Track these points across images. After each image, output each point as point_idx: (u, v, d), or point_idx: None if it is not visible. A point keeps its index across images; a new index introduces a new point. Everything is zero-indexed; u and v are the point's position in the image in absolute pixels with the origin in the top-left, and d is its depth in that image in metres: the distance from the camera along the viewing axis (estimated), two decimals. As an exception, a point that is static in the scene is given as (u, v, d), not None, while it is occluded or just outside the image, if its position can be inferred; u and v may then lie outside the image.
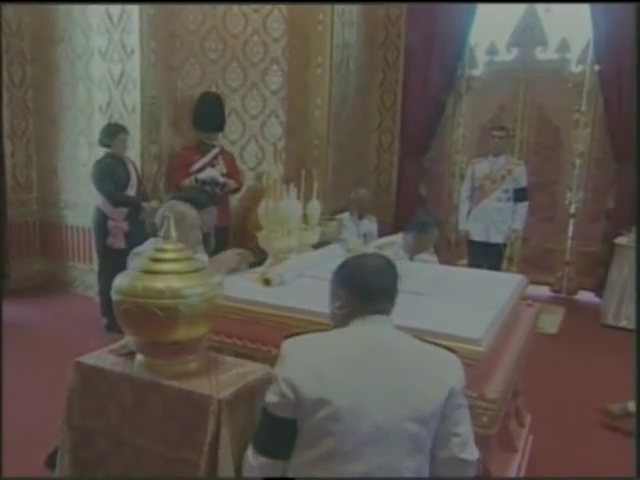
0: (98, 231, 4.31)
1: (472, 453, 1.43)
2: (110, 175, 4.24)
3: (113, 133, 4.30)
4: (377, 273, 1.50)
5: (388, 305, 1.50)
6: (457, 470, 1.43)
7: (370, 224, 4.70)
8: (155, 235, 2.53)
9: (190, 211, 2.59)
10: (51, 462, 2.04)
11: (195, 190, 4.38)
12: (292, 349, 1.44)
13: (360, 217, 4.65)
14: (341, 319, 1.51)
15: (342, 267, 1.55)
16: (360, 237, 4.49)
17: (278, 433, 1.42)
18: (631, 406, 3.04)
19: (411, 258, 3.51)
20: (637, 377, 2.56)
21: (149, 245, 2.38)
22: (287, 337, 1.50)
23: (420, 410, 1.34)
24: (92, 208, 4.56)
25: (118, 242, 4.17)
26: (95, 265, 5.03)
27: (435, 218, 3.70)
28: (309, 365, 1.37)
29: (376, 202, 6.33)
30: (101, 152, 4.49)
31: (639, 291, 4.29)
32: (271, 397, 1.40)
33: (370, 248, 3.83)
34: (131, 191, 4.32)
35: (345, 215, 4.59)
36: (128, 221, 4.22)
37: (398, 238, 3.69)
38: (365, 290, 1.48)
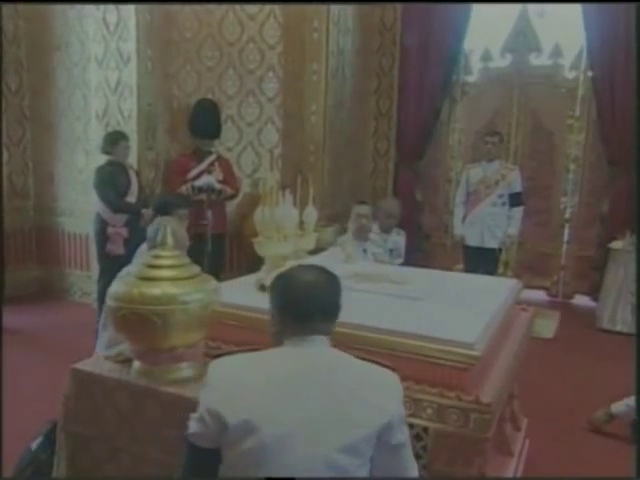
0: (98, 237, 4.33)
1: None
2: (111, 182, 4.27)
3: (115, 140, 4.33)
4: (311, 290, 1.35)
5: (327, 324, 1.37)
6: None
7: (398, 238, 4.05)
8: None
9: (179, 230, 2.60)
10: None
11: (166, 195, 4.38)
12: (217, 373, 1.32)
13: (388, 230, 4.00)
14: (276, 338, 1.39)
15: (275, 282, 1.41)
16: (387, 252, 3.93)
17: (202, 466, 1.31)
18: (614, 408, 3.06)
19: (385, 240, 3.90)
20: (637, 377, 2.57)
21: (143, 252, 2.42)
22: (215, 357, 1.41)
23: (351, 438, 1.22)
24: (89, 215, 4.57)
25: (117, 248, 4.19)
26: (92, 272, 5.04)
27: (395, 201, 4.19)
28: (233, 391, 1.26)
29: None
30: (98, 159, 4.50)
31: (639, 292, 4.30)
32: (193, 426, 1.29)
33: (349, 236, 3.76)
34: (132, 198, 4.34)
35: (374, 227, 3.97)
36: (128, 227, 4.24)
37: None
38: (297, 309, 1.34)
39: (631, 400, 2.96)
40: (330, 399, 1.24)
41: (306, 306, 1.34)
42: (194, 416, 1.30)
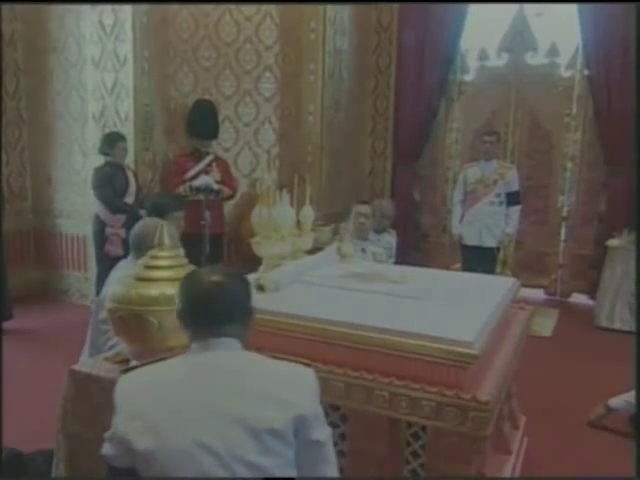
0: (96, 238, 4.35)
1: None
2: (109, 183, 4.28)
3: (113, 141, 4.35)
4: (208, 292, 1.31)
5: (235, 327, 1.33)
6: None
7: (390, 237, 4.18)
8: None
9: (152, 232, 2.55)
10: None
11: (161, 196, 4.35)
12: (120, 394, 1.28)
13: (381, 230, 4.13)
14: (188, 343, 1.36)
15: (180, 285, 1.38)
16: (379, 251, 4.01)
17: None
18: (612, 402, 3.07)
19: (379, 239, 4.01)
20: (637, 377, 2.57)
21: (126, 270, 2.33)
22: (124, 371, 1.39)
23: (261, 437, 1.19)
24: (86, 216, 4.57)
25: (115, 249, 4.21)
26: (90, 273, 5.04)
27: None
28: (135, 412, 1.23)
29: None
30: (96, 160, 4.50)
31: (638, 289, 4.31)
32: (106, 447, 1.29)
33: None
34: (130, 198, 4.36)
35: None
36: (126, 228, 4.24)
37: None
38: (194, 312, 1.32)
39: (629, 396, 2.97)
40: (236, 400, 1.22)
41: (200, 310, 1.31)
42: (106, 435, 1.28)
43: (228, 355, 1.30)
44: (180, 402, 1.22)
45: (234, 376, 1.26)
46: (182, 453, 1.18)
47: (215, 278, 1.33)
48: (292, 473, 1.25)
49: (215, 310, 1.30)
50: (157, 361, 1.37)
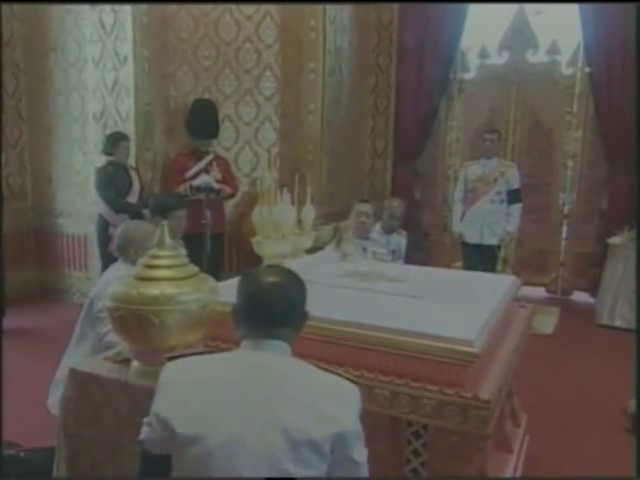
0: (100, 237, 4.36)
1: None
2: (112, 182, 4.29)
3: (116, 141, 4.36)
4: (269, 293, 1.30)
5: (287, 330, 1.32)
6: None
7: (400, 238, 4.13)
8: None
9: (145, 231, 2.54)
10: None
11: (164, 196, 4.34)
12: (168, 377, 1.28)
13: (390, 231, 4.08)
14: (239, 340, 1.35)
15: (239, 282, 1.37)
16: (389, 254, 3.97)
17: (154, 474, 1.29)
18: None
19: (388, 240, 4.00)
20: (637, 377, 2.57)
21: (115, 272, 2.38)
22: (169, 359, 1.36)
23: (297, 447, 1.17)
24: (87, 216, 4.57)
25: None
26: (90, 273, 5.04)
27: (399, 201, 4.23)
28: (182, 397, 1.23)
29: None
30: (96, 160, 4.50)
31: (639, 287, 4.30)
32: (144, 431, 1.28)
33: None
34: (133, 198, 4.37)
35: (377, 227, 4.08)
36: None
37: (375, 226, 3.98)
38: (251, 311, 1.31)
39: None
40: (280, 406, 1.20)
41: (259, 310, 1.30)
42: (145, 420, 1.27)
43: (278, 359, 1.29)
44: (226, 398, 1.21)
45: (282, 382, 1.24)
46: (219, 446, 1.17)
47: (277, 279, 1.33)
48: None
49: (273, 311, 1.29)
50: (203, 353, 1.38)
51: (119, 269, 2.43)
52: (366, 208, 3.86)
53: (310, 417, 1.19)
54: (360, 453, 1.26)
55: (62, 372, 2.28)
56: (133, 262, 2.26)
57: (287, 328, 1.32)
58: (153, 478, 1.30)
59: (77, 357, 2.38)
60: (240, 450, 1.17)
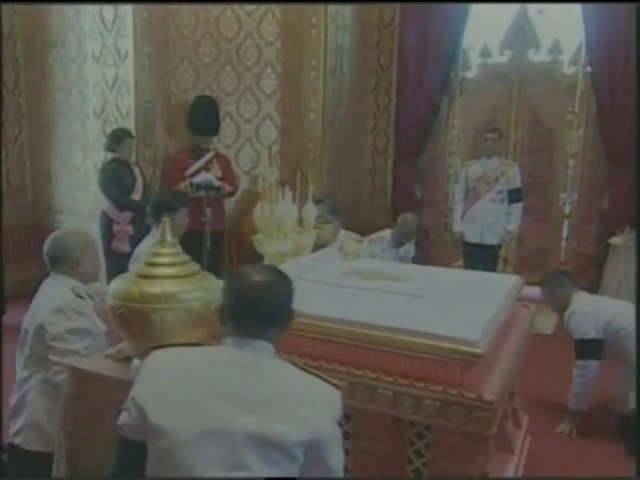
0: (103, 235, 4.34)
1: None
2: (116, 179, 4.28)
3: (119, 138, 4.34)
4: (256, 292, 1.29)
5: (271, 330, 1.30)
6: None
7: (409, 246, 4.27)
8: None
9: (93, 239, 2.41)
10: None
11: (165, 193, 4.32)
12: (149, 365, 1.30)
13: (400, 244, 4.20)
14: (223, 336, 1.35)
15: (225, 281, 1.37)
16: (397, 261, 4.07)
17: (130, 460, 1.29)
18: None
19: (397, 251, 4.13)
20: (637, 376, 2.56)
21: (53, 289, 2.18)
22: (155, 348, 1.37)
23: (268, 448, 1.17)
24: (86, 212, 4.56)
25: (123, 245, 4.22)
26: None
27: (413, 216, 4.32)
28: (159, 387, 1.23)
29: (371, 204, 6.36)
30: (96, 156, 4.48)
31: (639, 289, 4.29)
32: (123, 417, 1.29)
33: (365, 242, 3.84)
34: (136, 195, 4.36)
35: (387, 234, 4.20)
36: (133, 225, 4.26)
37: (385, 233, 4.06)
38: (238, 310, 1.30)
39: None
40: (256, 406, 1.20)
41: (244, 309, 1.29)
42: (124, 405, 1.28)
43: (259, 358, 1.28)
44: (201, 391, 1.21)
45: (261, 381, 1.24)
46: (188, 439, 1.17)
47: (265, 278, 1.31)
48: None
49: (261, 311, 1.29)
50: (190, 345, 1.38)
51: (55, 285, 2.19)
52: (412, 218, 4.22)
53: (283, 419, 1.18)
54: (336, 458, 1.25)
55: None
56: (71, 275, 2.18)
57: (273, 327, 1.31)
58: (129, 466, 1.30)
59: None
60: (208, 445, 1.16)
